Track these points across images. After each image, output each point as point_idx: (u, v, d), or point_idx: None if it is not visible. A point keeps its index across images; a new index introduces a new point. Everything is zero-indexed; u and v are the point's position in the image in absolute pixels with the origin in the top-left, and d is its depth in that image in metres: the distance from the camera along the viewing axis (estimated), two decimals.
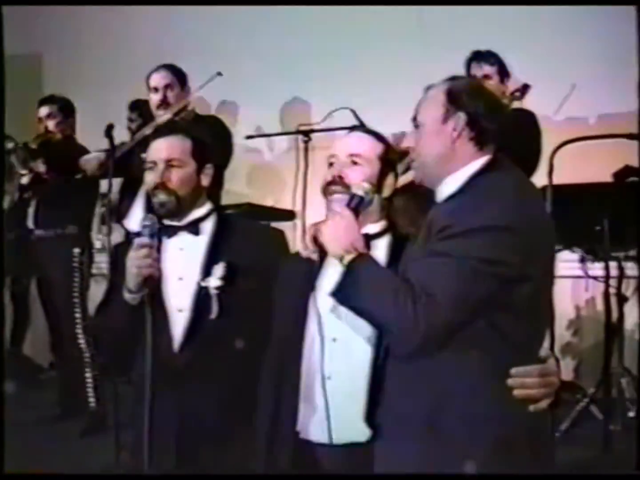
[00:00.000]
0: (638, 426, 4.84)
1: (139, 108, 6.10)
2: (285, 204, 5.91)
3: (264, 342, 3.15)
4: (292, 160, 5.59)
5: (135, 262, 3.11)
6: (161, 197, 3.31)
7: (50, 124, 6.30)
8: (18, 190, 6.14)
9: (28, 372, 7.72)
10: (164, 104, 5.48)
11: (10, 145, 5.95)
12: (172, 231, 3.34)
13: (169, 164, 3.33)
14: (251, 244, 3.34)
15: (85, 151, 6.12)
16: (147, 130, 5.39)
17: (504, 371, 2.56)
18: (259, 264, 3.26)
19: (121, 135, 5.74)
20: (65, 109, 6.41)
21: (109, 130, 5.41)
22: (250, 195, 6.93)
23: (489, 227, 2.50)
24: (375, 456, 2.75)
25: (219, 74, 5.57)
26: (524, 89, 5.42)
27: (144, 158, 5.00)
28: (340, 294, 2.66)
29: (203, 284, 3.29)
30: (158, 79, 5.52)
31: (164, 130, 3.51)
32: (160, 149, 3.37)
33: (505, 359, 2.55)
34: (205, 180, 3.41)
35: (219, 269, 3.29)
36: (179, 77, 5.55)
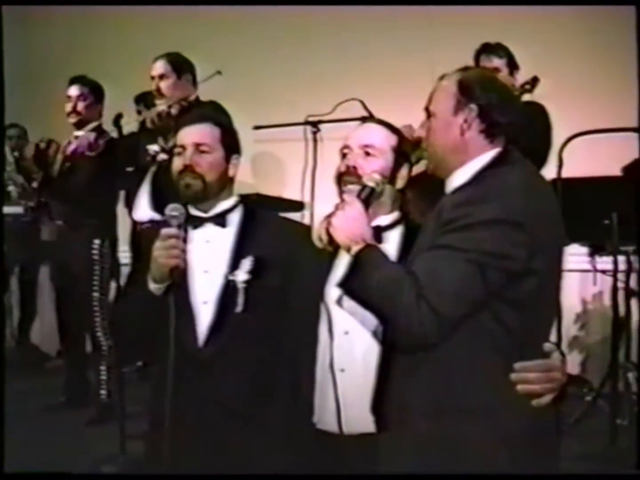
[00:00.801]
0: (638, 425, 4.84)
1: (144, 100, 6.06)
2: (294, 194, 5.91)
3: (289, 334, 3.16)
4: (301, 150, 5.58)
5: (162, 252, 3.08)
6: (188, 179, 3.29)
7: (80, 106, 6.19)
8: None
9: (34, 360, 7.74)
10: (158, 94, 5.41)
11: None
12: (198, 222, 3.32)
13: (198, 148, 3.31)
14: (278, 238, 3.32)
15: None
16: (146, 119, 5.37)
17: (508, 364, 2.55)
18: (286, 258, 3.25)
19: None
20: (97, 92, 6.30)
21: (117, 120, 5.40)
22: (259, 186, 6.93)
23: (496, 220, 2.50)
24: (380, 447, 2.76)
25: (219, 72, 5.50)
26: (534, 81, 5.40)
27: (151, 150, 5.04)
28: (347, 285, 2.67)
29: (231, 277, 3.27)
30: (153, 69, 5.44)
31: (193, 117, 3.47)
32: (190, 134, 3.35)
33: (509, 352, 2.55)
34: (232, 170, 3.39)
35: (246, 263, 3.28)
36: (174, 66, 5.43)
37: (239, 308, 3.25)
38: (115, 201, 6.20)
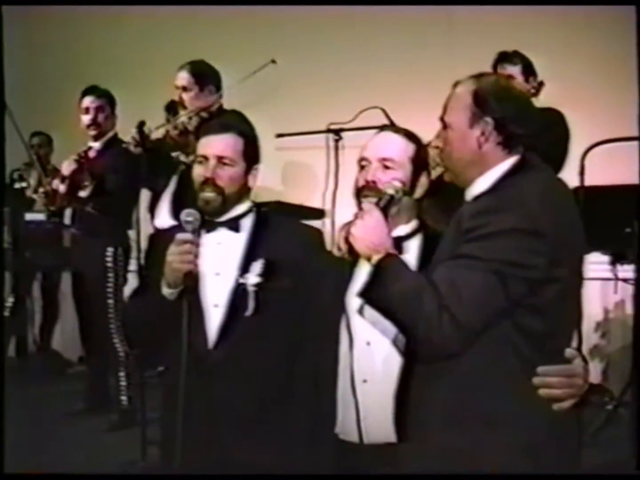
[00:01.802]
0: (638, 426, 4.81)
1: (174, 108, 6.07)
2: (315, 202, 5.92)
3: (298, 340, 3.17)
4: (323, 158, 5.59)
5: (176, 257, 3.10)
6: (208, 194, 3.27)
7: (101, 117, 6.24)
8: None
9: (56, 366, 7.77)
10: (181, 105, 5.40)
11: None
12: (210, 226, 3.31)
13: (220, 160, 3.30)
14: (290, 242, 3.31)
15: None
16: (170, 129, 5.37)
17: (529, 373, 2.55)
18: (297, 262, 3.25)
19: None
20: (112, 103, 6.35)
21: (140, 127, 5.42)
22: (281, 193, 6.95)
23: (516, 229, 2.50)
24: (400, 455, 2.76)
25: (274, 61, 5.51)
26: (539, 85, 5.38)
27: (175, 157, 5.04)
28: (367, 295, 2.66)
29: (241, 280, 3.27)
30: (177, 79, 5.43)
31: (216, 127, 3.45)
32: (213, 145, 3.33)
33: (530, 361, 2.55)
34: (252, 181, 3.39)
35: (257, 266, 3.28)
36: (197, 78, 5.39)
37: (249, 311, 3.25)
38: (132, 209, 6.22)
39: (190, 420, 3.05)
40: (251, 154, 3.39)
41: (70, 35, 8.31)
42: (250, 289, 3.25)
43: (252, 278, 3.26)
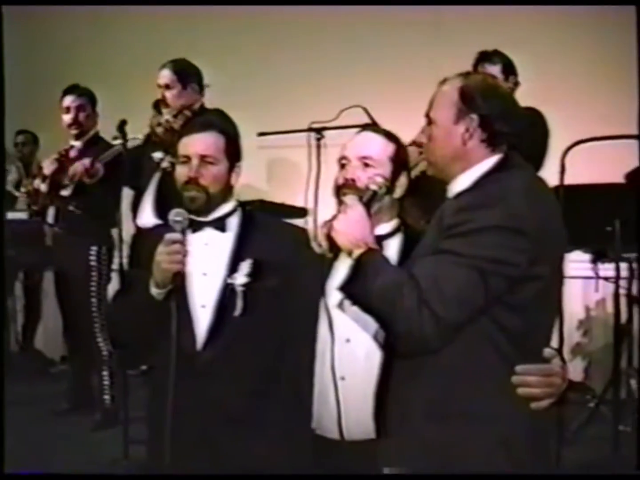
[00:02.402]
0: (638, 426, 4.84)
1: (158, 107, 6.07)
2: (298, 201, 5.92)
3: (286, 339, 3.18)
4: (305, 157, 5.60)
5: (165, 257, 3.09)
6: (193, 192, 3.26)
7: (81, 116, 6.21)
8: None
9: (39, 365, 7.75)
10: (163, 104, 5.41)
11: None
12: (197, 226, 3.29)
13: (203, 159, 3.29)
14: (277, 242, 3.31)
15: None
16: (151, 134, 5.38)
17: (508, 369, 2.56)
18: (285, 262, 3.24)
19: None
20: (93, 101, 6.32)
21: (121, 126, 5.41)
22: (263, 192, 6.95)
23: (497, 227, 2.50)
24: (380, 451, 2.77)
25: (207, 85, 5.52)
26: (515, 85, 5.41)
27: (155, 157, 5.04)
28: (348, 289, 2.66)
29: (230, 280, 3.27)
30: (159, 77, 5.45)
31: (198, 125, 3.43)
32: (196, 144, 3.32)
33: (510, 357, 2.56)
34: (234, 179, 3.38)
35: (245, 266, 3.27)
36: (179, 76, 5.41)
37: (237, 311, 3.25)
38: (115, 209, 6.20)
39: (178, 421, 3.04)
40: (233, 152, 3.38)
41: (56, 33, 8.29)
42: (239, 289, 3.25)
43: (241, 278, 3.26)
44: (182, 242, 3.11)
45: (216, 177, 3.31)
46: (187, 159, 3.31)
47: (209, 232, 3.33)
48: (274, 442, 3.13)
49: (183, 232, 3.13)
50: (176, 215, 3.14)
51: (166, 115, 5.34)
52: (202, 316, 3.27)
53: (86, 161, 5.86)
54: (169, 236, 3.12)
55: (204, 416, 3.21)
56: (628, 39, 5.19)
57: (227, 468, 3.17)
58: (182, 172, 3.32)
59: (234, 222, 3.37)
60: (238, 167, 3.40)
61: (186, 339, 3.20)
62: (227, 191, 3.37)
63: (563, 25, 6.59)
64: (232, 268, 3.29)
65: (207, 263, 3.30)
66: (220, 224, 3.34)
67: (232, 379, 3.23)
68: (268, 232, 3.37)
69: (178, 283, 3.12)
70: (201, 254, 3.27)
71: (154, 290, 3.15)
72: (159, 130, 5.31)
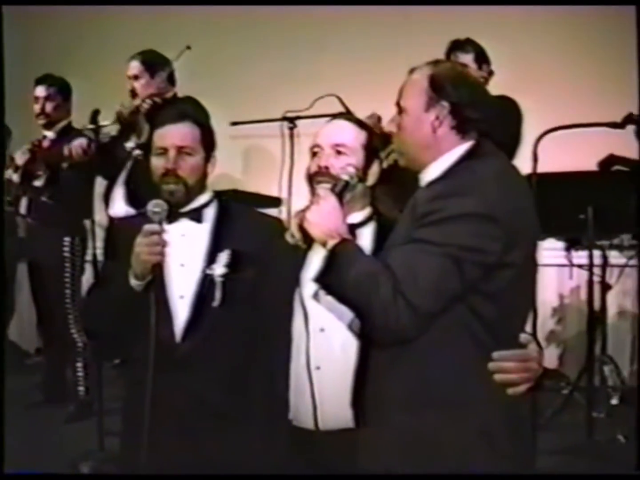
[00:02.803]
0: (638, 427, 4.86)
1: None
2: (271, 191, 5.91)
3: (262, 330, 3.16)
4: (278, 146, 5.59)
5: (144, 248, 3.09)
6: (171, 185, 3.26)
7: (49, 107, 6.18)
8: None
9: (13, 357, 7.71)
10: (132, 94, 5.53)
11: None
12: (173, 217, 3.27)
13: (181, 150, 3.28)
14: (253, 232, 3.31)
15: None
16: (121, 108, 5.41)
17: (484, 357, 2.56)
18: (260, 252, 3.24)
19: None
20: (64, 91, 6.28)
21: (94, 116, 5.39)
22: (237, 181, 6.94)
23: (470, 214, 2.50)
24: (359, 442, 2.76)
25: (188, 47, 5.54)
26: (489, 74, 5.42)
27: (127, 147, 5.04)
28: (322, 280, 2.66)
29: (208, 271, 3.26)
30: (128, 69, 5.57)
31: (173, 116, 3.41)
32: (172, 135, 3.31)
33: (486, 345, 2.56)
34: (210, 169, 3.38)
35: (223, 257, 3.27)
36: (147, 66, 5.55)
37: (216, 302, 3.24)
38: (89, 200, 6.17)
39: (156, 412, 3.03)
40: (209, 142, 3.39)
41: (56, 33, 8.24)
42: (218, 279, 3.25)
43: (219, 269, 3.26)
44: (161, 233, 3.10)
45: (194, 167, 3.31)
46: (164, 151, 3.30)
47: (185, 223, 3.33)
48: (252, 433, 3.11)
49: (160, 222, 3.12)
50: (155, 206, 3.13)
51: (136, 102, 5.41)
52: (181, 307, 3.27)
53: (83, 141, 5.83)
54: (148, 227, 3.11)
55: (182, 407, 3.21)
56: (628, 39, 5.22)
57: (204, 460, 3.16)
58: (158, 164, 3.31)
59: (210, 213, 3.37)
60: (213, 157, 3.40)
61: (165, 330, 3.19)
62: (203, 182, 3.37)
63: (563, 25, 6.59)
64: (210, 259, 3.28)
65: (185, 254, 3.30)
66: (196, 215, 3.34)
67: (210, 370, 3.22)
68: (245, 222, 3.37)
69: (158, 274, 3.12)
70: (178, 245, 3.26)
71: (133, 282, 3.14)
72: (125, 111, 5.34)
